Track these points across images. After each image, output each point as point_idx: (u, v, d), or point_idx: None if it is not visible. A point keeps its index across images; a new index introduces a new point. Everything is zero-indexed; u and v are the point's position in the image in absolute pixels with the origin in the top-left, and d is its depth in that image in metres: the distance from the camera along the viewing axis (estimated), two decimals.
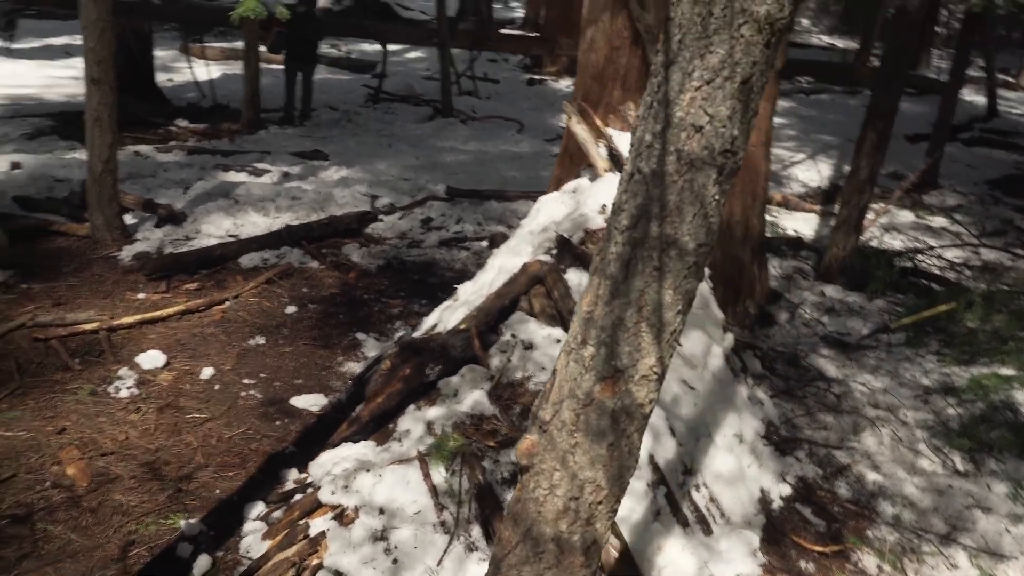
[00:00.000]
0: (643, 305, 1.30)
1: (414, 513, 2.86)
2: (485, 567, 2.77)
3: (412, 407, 3.28)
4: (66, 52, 13.04)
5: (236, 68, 12.10)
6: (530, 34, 15.06)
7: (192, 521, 3.15)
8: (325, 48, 15.59)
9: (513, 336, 3.48)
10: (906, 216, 8.06)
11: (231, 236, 6.02)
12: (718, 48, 1.11)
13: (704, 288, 4.02)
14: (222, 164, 7.91)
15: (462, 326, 3.70)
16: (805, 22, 23.60)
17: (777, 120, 12.52)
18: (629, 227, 1.29)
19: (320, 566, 2.71)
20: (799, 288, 5.66)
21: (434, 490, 2.92)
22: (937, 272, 6.20)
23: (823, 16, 24.27)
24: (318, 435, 3.71)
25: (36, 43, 13.61)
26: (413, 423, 3.18)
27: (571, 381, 1.38)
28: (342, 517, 2.83)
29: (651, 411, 1.41)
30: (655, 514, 3.18)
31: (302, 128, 10.26)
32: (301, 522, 2.89)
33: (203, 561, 2.94)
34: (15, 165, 7.39)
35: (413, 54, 16.09)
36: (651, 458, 3.29)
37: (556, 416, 1.41)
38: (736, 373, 3.93)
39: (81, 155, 7.98)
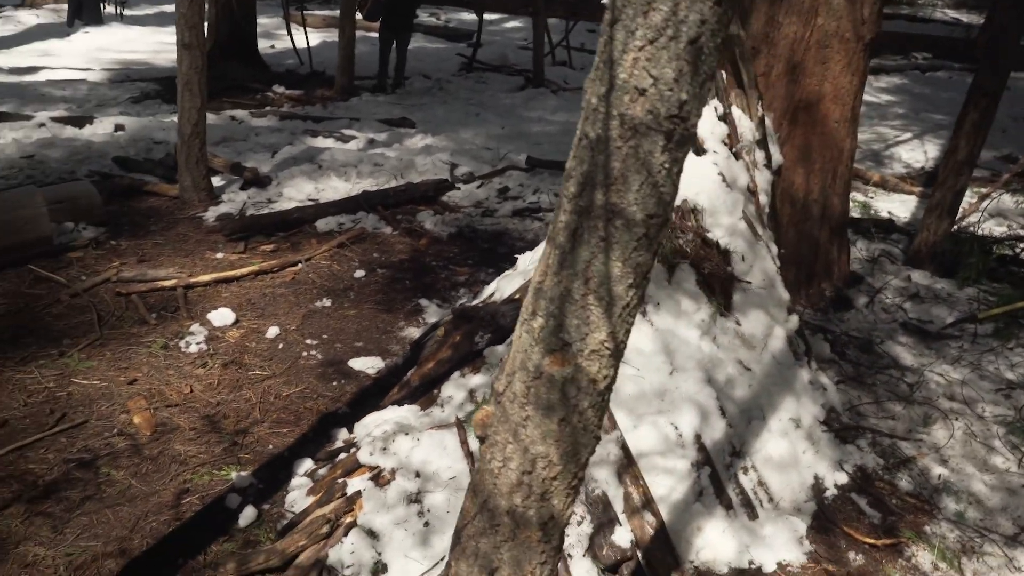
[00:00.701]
0: (590, 277, 1.25)
1: (449, 478, 2.89)
2: None
3: (457, 374, 3.31)
4: None
5: (335, 36, 12.32)
6: None
7: (244, 474, 3.27)
8: (424, 17, 15.72)
9: None
10: (1015, 202, 7.56)
11: (311, 200, 6.18)
12: (661, 5, 1.04)
13: (770, 267, 3.88)
14: (311, 130, 8.11)
15: (516, 295, 3.69)
16: None
17: (885, 97, 11.92)
18: (576, 195, 1.24)
19: (354, 524, 2.77)
20: (884, 272, 5.39)
21: (470, 456, 2.94)
22: None
23: None
24: (371, 397, 3.79)
25: (150, 10, 14.22)
26: (456, 389, 3.21)
27: (523, 352, 1.35)
28: (378, 478, 2.88)
29: (608, 387, 1.36)
30: (697, 494, 3.11)
31: (394, 96, 10.39)
32: (340, 480, 2.96)
33: (249, 512, 3.06)
34: (118, 127, 7.77)
35: (511, 24, 16.02)
36: (697, 438, 3.21)
37: (509, 388, 1.39)
38: (799, 356, 3.79)
39: (175, 118, 8.33)
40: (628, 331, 1.33)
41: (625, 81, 1.08)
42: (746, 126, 4.12)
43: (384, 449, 2.95)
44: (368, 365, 4.07)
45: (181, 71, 5.73)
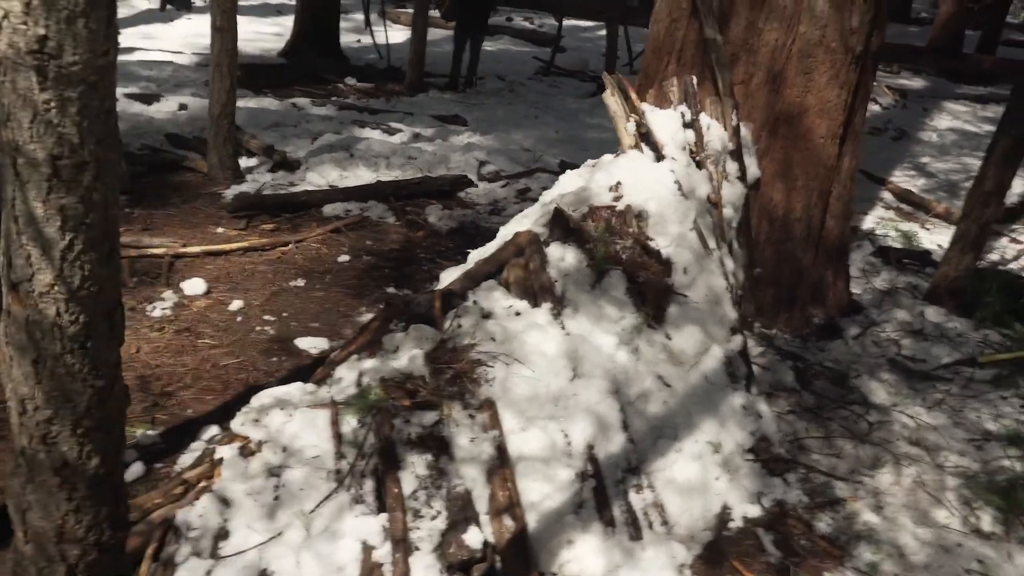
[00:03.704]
0: (18, 215, 1.22)
1: (312, 456, 2.89)
2: (365, 521, 2.77)
3: (355, 356, 3.31)
4: (277, 11, 14.18)
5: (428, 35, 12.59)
6: None
7: (151, 433, 3.38)
8: (519, 20, 15.83)
9: (475, 303, 3.40)
10: None
11: (331, 186, 6.32)
12: None
13: (718, 283, 3.70)
14: (360, 120, 8.30)
15: (449, 288, 3.67)
16: None
17: (986, 128, 11.13)
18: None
19: (208, 489, 2.82)
20: (897, 305, 5.03)
21: (339, 438, 2.93)
22: None
23: None
24: (303, 375, 3.84)
25: (255, 1, 14.91)
26: (348, 371, 3.21)
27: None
28: (244, 449, 2.92)
29: (82, 335, 1.31)
30: (577, 506, 3.00)
31: (462, 94, 10.50)
32: (212, 447, 3.01)
33: (136, 468, 3.16)
34: (182, 106, 8.18)
35: (601, 31, 15.90)
36: (589, 448, 3.10)
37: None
38: (736, 379, 3.60)
39: (243, 103, 8.70)
40: (93, 280, 1.28)
41: None
42: (716, 135, 3.96)
43: (256, 421, 2.99)
44: (313, 345, 4.13)
45: (213, 54, 5.99)
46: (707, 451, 3.34)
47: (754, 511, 3.27)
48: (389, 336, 3.30)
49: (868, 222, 6.71)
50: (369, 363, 3.18)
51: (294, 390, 3.18)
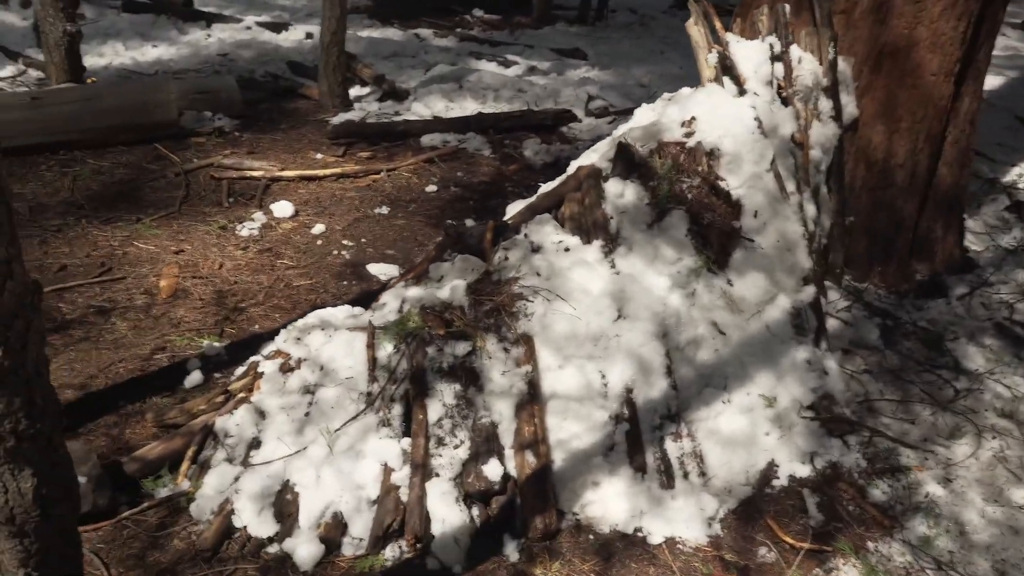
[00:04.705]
0: None
1: (346, 377, 2.96)
2: (388, 443, 2.82)
3: (401, 283, 3.34)
4: None
5: None
6: None
7: (216, 344, 3.57)
8: None
9: (525, 236, 3.34)
10: None
11: (435, 117, 6.33)
12: None
13: (792, 230, 3.45)
14: (477, 52, 8.25)
15: (504, 220, 3.62)
16: None
17: None
18: None
19: (246, 400, 2.95)
20: (1021, 266, 4.56)
21: (373, 361, 2.98)
22: None
23: None
24: (368, 299, 3.92)
25: None
26: (392, 298, 3.24)
27: None
28: (284, 365, 3.02)
29: None
30: (607, 449, 2.93)
31: (591, 27, 10.24)
32: (257, 360, 3.14)
33: (195, 376, 3.35)
34: (308, 35, 8.41)
35: None
36: (627, 391, 3.02)
37: None
38: (802, 331, 3.37)
39: (367, 32, 8.83)
40: None
41: None
42: (809, 69, 3.66)
43: (298, 340, 3.08)
44: (383, 271, 4.20)
45: None
46: (759, 404, 3.17)
47: (803, 471, 3.08)
48: (436, 265, 3.30)
49: (1012, 174, 6.07)
50: (413, 291, 3.20)
51: (339, 312, 3.25)
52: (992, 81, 8.73)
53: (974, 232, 4.86)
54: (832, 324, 3.76)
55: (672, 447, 3.03)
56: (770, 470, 3.08)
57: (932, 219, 4.18)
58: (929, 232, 4.20)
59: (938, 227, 4.21)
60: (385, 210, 4.84)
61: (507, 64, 7.94)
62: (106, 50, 7.53)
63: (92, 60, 7.16)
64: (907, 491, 3.05)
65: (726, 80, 3.64)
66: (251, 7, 9.60)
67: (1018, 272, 4.46)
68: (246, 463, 2.79)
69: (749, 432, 3.11)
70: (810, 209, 3.60)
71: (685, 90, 3.75)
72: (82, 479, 2.59)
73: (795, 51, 3.68)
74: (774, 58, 3.64)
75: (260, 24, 8.58)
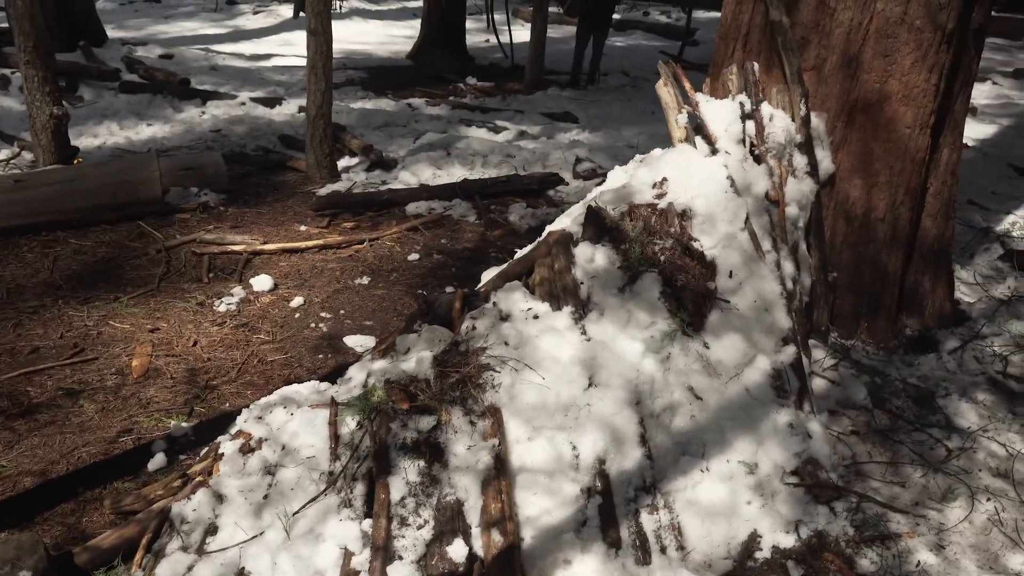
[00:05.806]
0: None
1: (307, 457, 2.86)
2: (348, 526, 2.70)
3: (368, 356, 3.26)
4: (413, 14, 14.51)
5: (553, 32, 12.51)
6: None
7: (184, 425, 3.48)
8: (656, 15, 15.42)
9: (494, 304, 3.26)
10: None
11: (422, 184, 6.33)
12: None
13: (770, 289, 3.36)
14: (468, 119, 8.32)
15: (476, 288, 3.56)
16: None
17: None
18: None
19: (204, 484, 2.84)
20: (1016, 317, 4.43)
21: (336, 439, 2.89)
22: None
23: None
24: (341, 372, 3.84)
25: (395, 5, 15.35)
26: (358, 371, 3.16)
27: None
28: (245, 446, 2.93)
29: None
30: (579, 524, 2.80)
31: (582, 91, 10.33)
32: (217, 441, 3.05)
33: (159, 459, 3.25)
34: (301, 109, 8.49)
35: None
36: (600, 462, 2.89)
37: None
38: (784, 394, 3.25)
39: (360, 104, 8.93)
40: None
41: None
42: (781, 126, 3.63)
43: (259, 418, 2.99)
44: (360, 343, 4.13)
45: (308, 56, 6.16)
46: (739, 472, 3.04)
47: (788, 541, 2.93)
48: (403, 337, 3.22)
49: (1006, 223, 5.98)
50: (379, 364, 3.12)
51: (305, 388, 3.17)
52: (985, 129, 8.72)
53: (966, 283, 4.76)
54: (818, 384, 3.64)
55: (648, 520, 2.89)
56: (752, 541, 2.94)
57: (919, 272, 4.08)
58: (917, 286, 4.10)
59: (926, 280, 4.10)
60: (366, 280, 4.79)
61: (497, 130, 7.99)
62: (101, 130, 7.63)
63: (87, 140, 7.26)
64: (897, 560, 2.89)
65: (697, 140, 3.60)
66: (246, 83, 9.76)
67: (1012, 323, 4.33)
68: (201, 551, 2.68)
69: (729, 502, 2.98)
70: (788, 267, 3.52)
71: (656, 151, 3.72)
72: (26, 574, 2.49)
73: (766, 108, 3.64)
74: (745, 116, 3.60)
75: (254, 99, 8.70)
